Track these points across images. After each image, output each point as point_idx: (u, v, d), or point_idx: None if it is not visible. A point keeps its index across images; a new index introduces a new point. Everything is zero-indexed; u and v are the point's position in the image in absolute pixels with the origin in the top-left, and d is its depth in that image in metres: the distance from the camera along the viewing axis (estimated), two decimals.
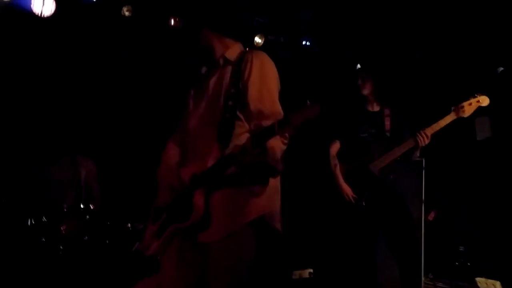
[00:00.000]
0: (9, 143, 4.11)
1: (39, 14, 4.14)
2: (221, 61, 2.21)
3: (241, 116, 2.09)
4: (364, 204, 3.43)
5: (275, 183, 2.11)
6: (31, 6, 4.13)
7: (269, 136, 1.89)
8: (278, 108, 2.08)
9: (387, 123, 3.57)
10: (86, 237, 3.24)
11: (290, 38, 5.22)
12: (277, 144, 1.97)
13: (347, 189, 3.49)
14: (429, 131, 3.37)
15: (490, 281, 4.37)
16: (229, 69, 2.17)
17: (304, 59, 5.38)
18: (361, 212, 3.43)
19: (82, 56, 4.53)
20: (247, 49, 2.34)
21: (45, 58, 4.36)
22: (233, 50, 2.23)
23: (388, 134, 3.55)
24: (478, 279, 4.43)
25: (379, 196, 3.45)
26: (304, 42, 5.33)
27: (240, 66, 2.13)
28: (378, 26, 4.95)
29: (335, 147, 3.65)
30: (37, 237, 3.19)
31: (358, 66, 5.38)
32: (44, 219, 3.17)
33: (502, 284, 4.31)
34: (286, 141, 2.03)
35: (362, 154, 3.51)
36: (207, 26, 2.20)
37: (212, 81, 2.19)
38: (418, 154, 3.52)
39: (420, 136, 3.36)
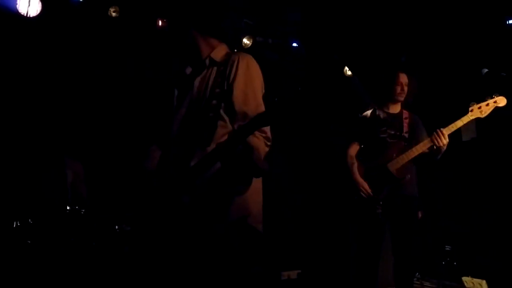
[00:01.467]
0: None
1: (25, 14, 4.10)
2: (207, 62, 2.22)
3: (225, 117, 2.10)
4: (381, 202, 3.46)
5: (257, 184, 2.14)
6: (17, 6, 4.08)
7: (253, 128, 1.93)
8: (262, 110, 2.09)
9: (406, 124, 3.61)
10: (73, 239, 3.20)
11: (278, 40, 5.23)
12: (260, 145, 1.99)
13: (364, 184, 3.52)
14: (446, 131, 3.37)
15: (476, 280, 4.42)
16: (214, 69, 2.19)
17: (292, 61, 5.40)
18: (378, 210, 3.46)
19: (69, 57, 4.49)
20: (235, 50, 2.39)
21: (31, 59, 4.31)
22: (219, 51, 2.24)
23: (406, 135, 3.59)
24: (464, 278, 4.48)
25: (395, 195, 3.49)
26: (292, 44, 5.35)
27: (226, 67, 2.15)
28: (366, 28, 4.99)
29: (354, 148, 3.70)
30: (23, 239, 3.15)
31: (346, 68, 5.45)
32: (30, 221, 3.13)
33: (488, 283, 4.36)
34: (269, 143, 2.05)
35: (381, 154, 3.54)
36: (193, 27, 2.21)
37: (197, 81, 2.21)
38: (439, 156, 3.48)
39: (436, 136, 3.36)
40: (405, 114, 3.68)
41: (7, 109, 4.17)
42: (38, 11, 4.12)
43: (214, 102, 2.10)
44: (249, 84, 2.13)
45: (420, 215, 4.80)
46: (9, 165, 3.82)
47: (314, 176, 5.47)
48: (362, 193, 3.51)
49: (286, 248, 5.13)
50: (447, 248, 4.76)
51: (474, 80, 4.53)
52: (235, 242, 2.07)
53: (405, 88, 3.62)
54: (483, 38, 4.67)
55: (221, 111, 2.10)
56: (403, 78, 3.63)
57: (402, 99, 3.65)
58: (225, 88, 2.12)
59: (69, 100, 4.49)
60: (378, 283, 3.63)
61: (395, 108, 3.70)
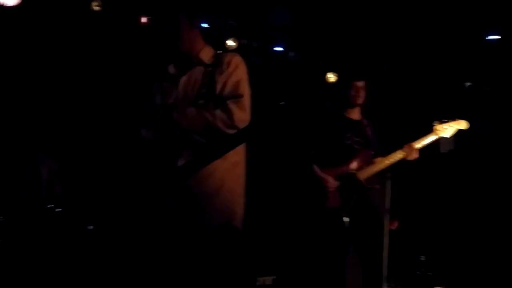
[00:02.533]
0: None
1: (1, 4, 3.94)
2: (194, 61, 2.24)
3: None
4: (349, 210, 3.45)
5: (240, 189, 2.24)
6: None
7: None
8: (247, 116, 2.15)
9: (369, 132, 3.62)
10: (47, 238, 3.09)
11: (263, 43, 5.21)
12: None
13: (328, 178, 3.49)
14: (416, 145, 3.45)
15: None
16: (201, 69, 2.21)
17: (276, 65, 5.39)
18: (344, 217, 3.44)
19: (46, 50, 4.34)
20: (220, 51, 2.39)
21: (7, 52, 4.15)
22: (207, 52, 2.29)
23: (372, 143, 3.59)
24: None
25: (362, 204, 3.49)
26: (276, 48, 5.34)
27: (214, 68, 2.18)
28: (350, 36, 5.02)
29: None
30: None
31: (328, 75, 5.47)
32: (1, 218, 3.01)
33: None
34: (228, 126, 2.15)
35: (348, 161, 3.53)
36: (189, 25, 2.22)
37: (183, 80, 2.22)
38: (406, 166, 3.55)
39: (408, 150, 3.43)
40: (365, 121, 3.71)
41: None
42: (17, 1, 3.97)
43: (201, 102, 2.15)
44: (240, 88, 2.18)
45: (396, 225, 4.86)
46: None
47: (292, 181, 5.45)
48: (329, 188, 3.49)
49: (262, 253, 5.09)
50: (422, 258, 4.81)
51: (452, 94, 4.61)
52: (219, 245, 2.07)
53: (361, 92, 3.63)
54: (462, 53, 4.76)
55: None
56: (359, 84, 3.66)
57: (359, 102, 3.65)
58: (215, 89, 2.15)
59: (46, 94, 4.34)
60: None
61: (355, 114, 3.70)
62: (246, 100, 2.18)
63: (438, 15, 4.44)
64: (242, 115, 2.12)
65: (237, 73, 2.20)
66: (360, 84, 3.65)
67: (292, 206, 5.36)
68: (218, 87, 2.16)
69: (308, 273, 4.99)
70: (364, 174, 3.50)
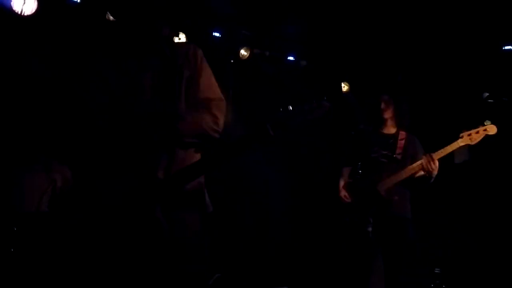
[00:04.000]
0: None
1: (20, 13, 3.99)
2: (153, 48, 2.03)
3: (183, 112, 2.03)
4: (371, 221, 3.42)
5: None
6: (11, 4, 3.98)
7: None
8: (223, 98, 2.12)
9: (400, 145, 3.61)
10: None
11: (276, 53, 5.21)
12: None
13: (342, 191, 3.59)
14: (436, 156, 3.40)
15: None
16: (157, 59, 2.02)
17: (288, 74, 5.38)
18: (368, 228, 3.43)
19: (63, 58, 4.37)
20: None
21: (25, 59, 4.19)
22: (169, 41, 2.15)
23: (398, 156, 3.58)
24: None
25: (384, 216, 3.47)
26: (289, 58, 5.34)
27: (175, 58, 2.02)
28: (364, 46, 5.00)
29: (347, 171, 3.75)
30: (7, 247, 3.01)
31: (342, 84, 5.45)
32: (14, 228, 3.00)
33: None
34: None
35: (372, 173, 3.53)
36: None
37: (147, 74, 2.01)
38: (431, 181, 3.48)
39: (426, 160, 3.38)
40: (402, 135, 3.69)
41: None
42: (34, 10, 4.02)
43: (170, 96, 1.99)
44: (211, 74, 2.10)
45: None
46: None
47: (308, 195, 5.43)
48: (341, 199, 3.58)
49: (274, 264, 5.06)
50: (437, 270, 4.74)
51: (470, 104, 4.56)
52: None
53: (386, 106, 3.65)
54: (479, 64, 4.72)
55: (181, 106, 1.99)
56: (383, 97, 3.69)
57: (386, 116, 3.66)
58: (181, 84, 1.99)
59: (62, 101, 4.37)
60: None
61: (390, 129, 3.72)
62: (224, 103, 2.11)
63: (454, 25, 4.41)
64: (223, 120, 2.06)
65: (208, 70, 2.08)
66: (384, 98, 3.67)
67: (314, 217, 5.35)
68: (190, 85, 2.02)
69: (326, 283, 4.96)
70: (384, 186, 3.49)
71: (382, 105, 3.66)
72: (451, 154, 3.57)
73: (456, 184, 5.00)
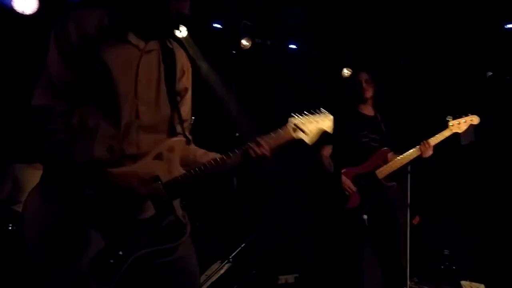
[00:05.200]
0: None
1: (21, 12, 4.00)
2: (163, 40, 1.93)
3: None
4: (367, 208, 3.44)
5: None
6: (12, 3, 3.99)
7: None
8: None
9: (384, 129, 3.61)
10: None
11: (277, 42, 5.19)
12: None
13: (347, 181, 3.49)
14: (432, 142, 3.44)
15: (475, 284, 4.42)
16: (156, 54, 1.90)
17: (290, 63, 5.37)
18: (363, 216, 3.44)
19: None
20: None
21: (26, 58, 4.21)
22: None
23: (389, 140, 3.58)
24: (463, 282, 4.48)
25: (380, 202, 3.48)
26: (291, 46, 5.33)
27: (172, 54, 1.93)
28: (365, 30, 4.98)
29: (328, 149, 3.65)
30: (18, 243, 3.06)
31: (344, 70, 5.44)
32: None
33: (486, 287, 4.36)
34: None
35: (366, 159, 3.52)
36: None
37: (145, 61, 1.86)
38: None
39: (424, 147, 3.41)
40: (379, 116, 3.70)
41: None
42: (35, 9, 4.02)
43: (176, 98, 1.92)
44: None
45: (417, 219, 4.81)
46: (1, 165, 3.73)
47: (311, 180, 5.44)
48: (346, 192, 3.49)
49: (284, 252, 5.08)
50: (446, 252, 4.75)
51: (473, 83, 4.53)
52: None
53: (366, 85, 3.62)
54: (481, 43, 4.69)
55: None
56: (362, 76, 3.65)
57: (368, 95, 3.63)
58: (175, 91, 1.91)
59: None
60: None
61: (368, 110, 3.69)
62: None
63: (456, 5, 4.38)
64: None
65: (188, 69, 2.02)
66: (365, 76, 3.64)
67: (313, 207, 5.36)
68: (182, 100, 1.96)
69: (329, 271, 4.98)
70: (383, 172, 3.49)
71: (364, 84, 3.63)
72: (457, 135, 3.59)
73: (462, 165, 4.99)
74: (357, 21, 4.86)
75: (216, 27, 4.88)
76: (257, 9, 4.90)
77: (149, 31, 1.85)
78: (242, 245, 3.93)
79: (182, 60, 1.99)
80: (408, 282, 4.43)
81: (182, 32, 4.63)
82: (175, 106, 1.91)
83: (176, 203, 1.81)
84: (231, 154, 1.85)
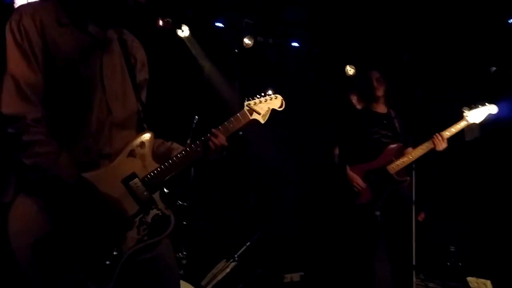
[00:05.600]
0: None
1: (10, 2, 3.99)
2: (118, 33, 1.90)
3: None
4: (380, 204, 3.44)
5: None
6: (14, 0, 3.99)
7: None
8: None
9: (397, 125, 3.61)
10: None
11: (279, 40, 5.19)
12: None
13: (356, 178, 3.49)
14: (446, 135, 3.41)
15: (481, 280, 4.40)
16: (117, 45, 1.88)
17: (293, 61, 5.36)
18: (376, 212, 3.44)
19: None
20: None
21: None
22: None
23: (398, 136, 3.58)
24: (469, 278, 4.45)
25: (392, 198, 3.48)
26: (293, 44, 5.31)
27: (129, 45, 1.93)
28: (367, 27, 4.96)
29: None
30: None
31: (347, 67, 5.43)
32: None
33: (492, 283, 4.34)
34: None
35: (377, 156, 3.52)
36: None
37: (108, 52, 1.84)
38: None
39: (437, 140, 3.37)
40: (393, 113, 3.71)
41: None
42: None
43: (139, 90, 1.93)
44: None
45: (423, 216, 4.80)
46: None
47: (319, 179, 5.44)
48: (355, 188, 3.49)
49: (289, 250, 5.08)
50: (452, 248, 4.73)
51: (476, 80, 4.52)
52: None
53: (377, 83, 3.65)
54: (483, 38, 4.66)
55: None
56: (374, 75, 3.69)
57: (379, 94, 3.65)
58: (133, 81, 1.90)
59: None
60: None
61: (381, 108, 3.69)
62: None
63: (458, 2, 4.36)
64: None
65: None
66: (376, 75, 3.66)
67: (323, 203, 5.37)
68: (143, 92, 1.97)
69: (338, 268, 4.98)
70: (395, 167, 3.49)
71: (375, 83, 3.63)
72: (461, 131, 3.57)
73: (468, 161, 4.97)
74: (359, 18, 4.84)
75: (218, 26, 4.88)
76: (259, 8, 4.90)
77: (107, 20, 1.82)
78: (247, 244, 3.92)
79: (141, 52, 1.99)
80: (414, 279, 4.42)
81: (184, 31, 4.64)
82: (139, 98, 1.91)
83: (156, 196, 1.83)
84: (193, 146, 1.92)
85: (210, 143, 1.92)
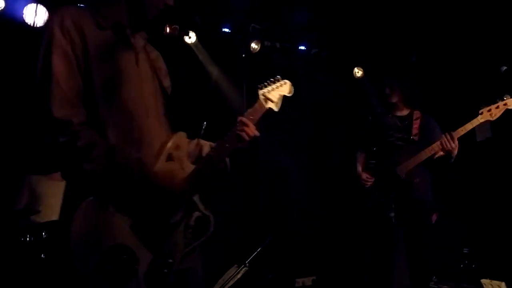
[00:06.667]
0: (10, 154, 3.98)
1: (32, 24, 4.04)
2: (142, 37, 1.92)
3: None
4: (392, 205, 3.40)
5: None
6: (23, 16, 4.04)
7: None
8: None
9: (416, 126, 3.57)
10: None
11: (286, 44, 5.18)
12: None
13: (363, 174, 3.57)
14: (456, 134, 3.28)
15: (496, 282, 4.33)
16: (145, 50, 1.91)
17: (300, 64, 5.35)
18: (390, 214, 3.42)
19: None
20: None
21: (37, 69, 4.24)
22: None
23: (415, 138, 3.55)
24: (483, 280, 4.39)
25: (406, 199, 3.45)
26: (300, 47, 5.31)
27: (157, 55, 1.98)
28: (376, 28, 4.94)
29: (362, 157, 3.78)
30: (37, 253, 3.08)
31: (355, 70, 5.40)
32: (44, 234, 3.05)
33: (507, 284, 4.27)
34: None
35: (390, 157, 3.52)
36: None
37: (142, 58, 1.87)
38: (451, 160, 3.37)
39: (445, 139, 3.27)
40: (416, 115, 3.63)
41: (15, 119, 4.10)
42: (45, 21, 4.06)
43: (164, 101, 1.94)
44: None
45: (435, 217, 4.75)
46: (20, 176, 3.77)
47: (329, 183, 5.41)
48: (363, 182, 3.56)
49: (301, 254, 5.06)
50: (465, 250, 4.67)
51: (486, 80, 4.47)
52: None
53: (390, 91, 3.63)
54: (495, 38, 4.62)
55: None
56: (386, 81, 3.67)
57: (394, 100, 3.64)
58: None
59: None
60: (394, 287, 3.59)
61: (402, 111, 3.68)
62: None
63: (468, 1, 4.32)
64: None
65: None
66: (388, 82, 3.67)
67: (335, 207, 5.34)
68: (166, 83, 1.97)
69: (347, 273, 4.95)
70: (404, 169, 3.46)
71: (387, 90, 3.63)
72: (473, 132, 3.48)
73: (481, 162, 4.91)
74: (366, 20, 4.82)
75: (225, 32, 4.89)
76: (265, 12, 4.90)
77: (140, 24, 1.84)
78: (258, 249, 3.91)
79: (161, 60, 2.01)
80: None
81: (191, 38, 4.65)
82: (167, 101, 1.93)
83: (196, 198, 1.83)
84: (226, 139, 1.90)
85: (244, 133, 1.91)
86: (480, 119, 3.29)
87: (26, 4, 4.00)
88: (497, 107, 3.27)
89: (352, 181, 3.77)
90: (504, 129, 4.49)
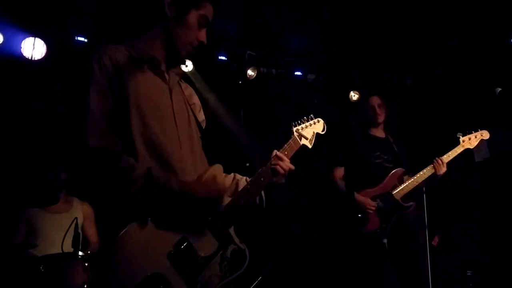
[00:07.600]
0: (8, 188, 3.97)
1: (30, 58, 4.09)
2: (177, 72, 1.99)
3: None
4: (387, 232, 3.40)
5: None
6: (21, 50, 4.08)
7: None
8: None
9: (396, 150, 3.63)
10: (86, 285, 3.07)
11: (282, 70, 5.24)
12: None
13: (368, 201, 3.46)
14: (446, 160, 3.48)
15: None
16: (180, 85, 2.00)
17: (297, 90, 5.39)
18: (383, 240, 3.39)
19: (75, 99, 4.44)
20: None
21: (36, 102, 4.27)
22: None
23: (402, 160, 3.59)
24: None
25: (399, 223, 3.45)
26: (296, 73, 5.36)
27: (182, 87, 2.02)
28: (370, 52, 4.99)
29: (340, 171, 3.65)
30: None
31: (351, 93, 5.44)
32: (42, 268, 3.01)
33: None
34: None
35: (381, 180, 3.52)
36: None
37: (176, 93, 1.94)
38: (437, 178, 3.54)
39: (437, 165, 3.45)
40: (391, 138, 3.75)
41: (15, 153, 4.10)
42: (43, 54, 4.11)
43: (200, 135, 2.00)
44: None
45: (437, 240, 4.71)
46: (21, 209, 3.74)
47: (325, 207, 5.37)
48: (369, 210, 3.44)
49: (300, 282, 4.99)
50: (469, 273, 4.63)
51: (483, 100, 4.51)
52: None
53: (379, 110, 3.69)
54: (488, 59, 4.67)
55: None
56: (375, 101, 3.72)
57: (380, 120, 3.68)
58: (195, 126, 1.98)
59: (75, 142, 4.41)
60: None
61: (379, 132, 3.72)
62: None
63: (460, 21, 4.38)
64: None
65: None
66: (377, 101, 3.70)
67: (331, 233, 5.28)
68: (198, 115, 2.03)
69: None
70: (400, 193, 3.47)
71: (377, 109, 3.67)
72: (471, 152, 3.61)
73: (482, 184, 4.91)
74: (360, 43, 4.87)
75: (221, 59, 4.95)
76: (261, 39, 4.96)
77: (173, 60, 1.91)
78: (259, 278, 3.86)
79: (195, 95, 2.07)
80: None
81: (188, 66, 4.70)
82: (200, 136, 1.99)
83: (232, 231, 1.85)
84: (261, 173, 1.93)
85: (278, 167, 1.94)
86: (465, 145, 3.57)
87: (24, 38, 4.05)
88: (475, 137, 3.57)
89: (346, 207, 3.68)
90: (499, 149, 4.52)
